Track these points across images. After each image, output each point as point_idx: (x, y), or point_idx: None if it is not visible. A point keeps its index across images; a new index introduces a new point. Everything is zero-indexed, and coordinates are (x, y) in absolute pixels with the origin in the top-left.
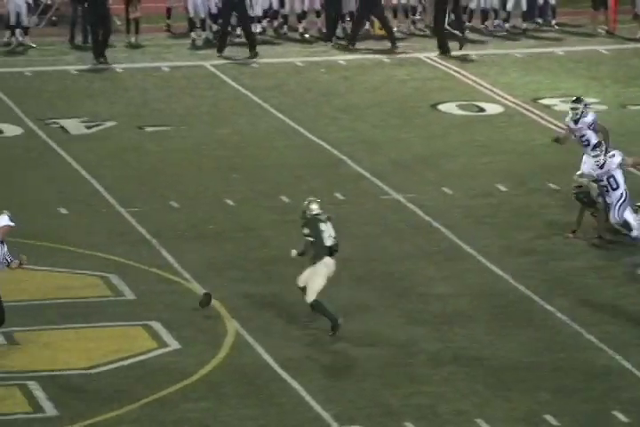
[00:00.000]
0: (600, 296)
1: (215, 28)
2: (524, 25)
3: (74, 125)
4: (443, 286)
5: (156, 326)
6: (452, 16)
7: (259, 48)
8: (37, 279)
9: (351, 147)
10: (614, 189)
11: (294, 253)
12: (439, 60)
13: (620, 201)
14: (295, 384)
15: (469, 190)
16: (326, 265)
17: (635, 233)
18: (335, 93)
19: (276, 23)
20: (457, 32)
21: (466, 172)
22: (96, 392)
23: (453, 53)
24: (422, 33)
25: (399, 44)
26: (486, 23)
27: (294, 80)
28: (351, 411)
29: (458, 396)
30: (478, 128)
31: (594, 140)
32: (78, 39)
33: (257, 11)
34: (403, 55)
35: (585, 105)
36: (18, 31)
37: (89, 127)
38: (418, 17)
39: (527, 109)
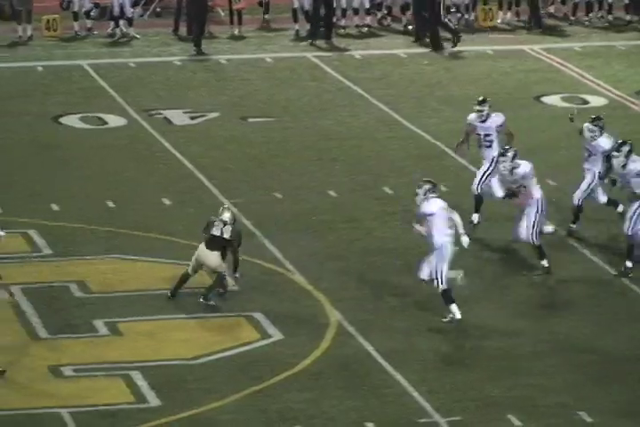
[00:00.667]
0: None
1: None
2: (628, 17)
3: (177, 116)
4: (547, 278)
5: (259, 317)
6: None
7: (363, 40)
8: (142, 270)
9: (454, 138)
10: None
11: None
12: (543, 53)
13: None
14: (397, 376)
15: (573, 182)
16: None
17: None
18: (438, 85)
19: (379, 15)
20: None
21: (569, 164)
22: (199, 382)
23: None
24: (527, 26)
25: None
26: (590, 15)
27: (397, 72)
28: (453, 403)
29: (559, 388)
30: (582, 120)
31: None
32: (182, 30)
33: (365, 3)
34: (507, 47)
35: (490, 106)
36: (122, 22)
37: (193, 118)
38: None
39: (631, 102)
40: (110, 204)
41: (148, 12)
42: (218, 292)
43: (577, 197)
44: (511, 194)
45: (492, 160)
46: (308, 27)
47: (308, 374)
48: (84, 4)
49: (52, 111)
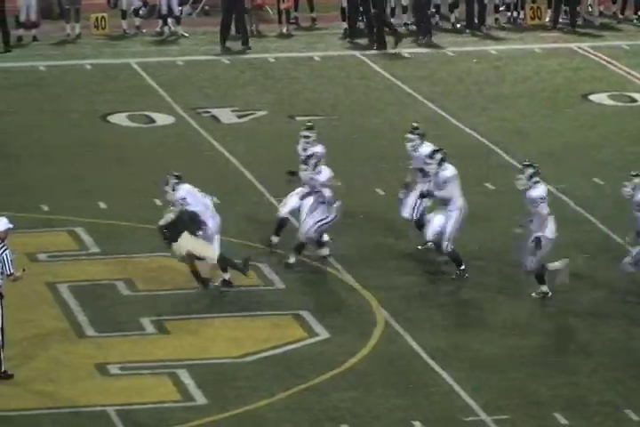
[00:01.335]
0: None
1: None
2: None
3: (225, 114)
4: (593, 277)
5: (306, 315)
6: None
7: (411, 38)
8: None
9: (501, 137)
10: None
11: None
12: (591, 51)
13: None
14: (444, 374)
15: (620, 181)
16: None
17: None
18: (486, 83)
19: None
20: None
21: (616, 162)
22: (246, 381)
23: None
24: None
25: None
26: (639, 13)
27: (445, 70)
28: (499, 401)
29: (605, 386)
30: (629, 119)
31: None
32: (231, 29)
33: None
34: (555, 45)
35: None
36: (170, 21)
37: (240, 116)
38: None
39: None
40: (158, 202)
41: (197, 11)
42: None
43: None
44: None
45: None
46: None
47: (355, 373)
48: (132, 3)
49: (100, 109)
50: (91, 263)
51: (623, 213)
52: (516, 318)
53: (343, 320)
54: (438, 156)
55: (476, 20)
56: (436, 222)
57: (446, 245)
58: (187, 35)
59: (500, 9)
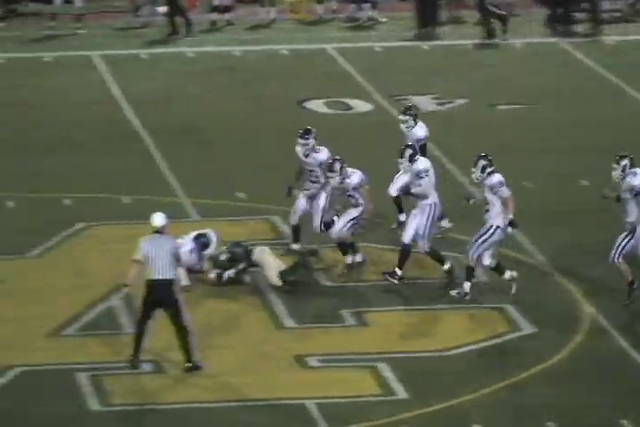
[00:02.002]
0: None
1: None
2: None
3: (425, 102)
4: None
5: (510, 309)
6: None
7: (617, 25)
8: (390, 259)
9: None
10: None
11: None
12: None
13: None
14: None
15: None
16: None
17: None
18: None
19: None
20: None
21: None
22: (448, 375)
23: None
24: None
25: None
26: None
27: None
28: None
29: None
30: None
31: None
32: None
33: None
34: None
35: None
36: (366, 5)
37: (440, 104)
38: None
39: None
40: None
41: None
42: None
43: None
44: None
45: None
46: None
47: (560, 369)
48: None
49: (296, 95)
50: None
51: None
52: None
53: (548, 315)
54: (408, 152)
55: None
56: (410, 224)
57: (423, 245)
58: (384, 20)
59: None
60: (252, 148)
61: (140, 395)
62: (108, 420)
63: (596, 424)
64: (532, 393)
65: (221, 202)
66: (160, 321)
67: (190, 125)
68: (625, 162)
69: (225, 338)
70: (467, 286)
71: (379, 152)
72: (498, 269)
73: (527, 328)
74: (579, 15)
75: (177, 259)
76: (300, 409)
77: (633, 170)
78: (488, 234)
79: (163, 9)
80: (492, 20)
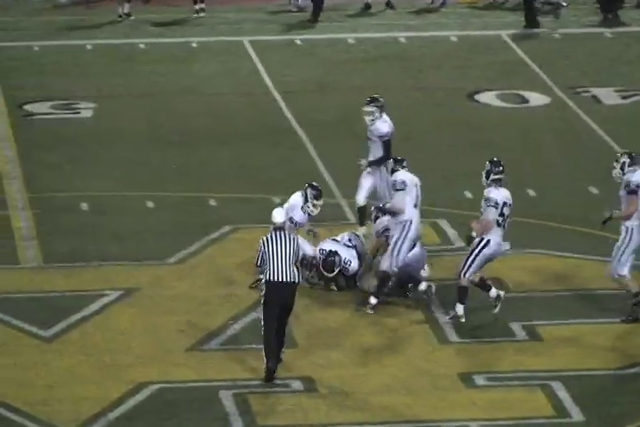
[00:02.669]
0: None
1: None
2: None
3: (607, 95)
4: None
5: None
6: None
7: None
8: (563, 267)
9: None
10: None
11: None
12: None
13: None
14: None
15: None
16: None
17: None
18: None
19: None
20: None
21: None
22: (627, 396)
23: None
24: None
25: None
26: None
27: None
28: None
29: None
30: None
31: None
32: None
33: None
34: None
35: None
36: None
37: (624, 97)
38: None
39: None
40: (531, 192)
41: None
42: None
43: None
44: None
45: None
46: None
47: None
48: None
49: (466, 87)
50: (452, 260)
51: None
52: None
53: None
54: (390, 164)
55: None
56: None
57: (388, 266)
58: (564, 4)
59: None
60: (414, 145)
61: (288, 416)
62: None
63: None
64: None
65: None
66: (314, 336)
67: (348, 118)
68: (624, 159)
69: (384, 354)
70: (459, 308)
71: (555, 150)
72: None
73: None
74: None
75: (298, 259)
76: None
77: (633, 168)
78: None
79: None
80: None
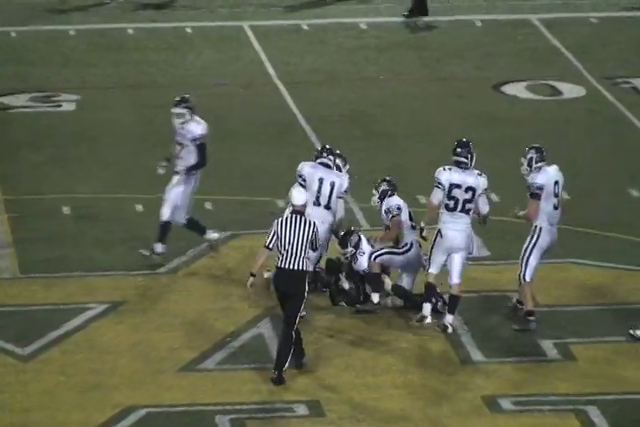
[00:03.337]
0: None
1: None
2: None
3: None
4: None
5: None
6: None
7: None
8: (602, 278)
9: None
10: None
11: None
12: None
13: None
14: None
15: None
16: None
17: None
18: None
19: None
20: None
21: None
22: None
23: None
24: None
25: None
26: None
27: None
28: None
29: None
30: None
31: None
32: None
33: None
34: None
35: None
36: None
37: None
38: None
39: None
40: (564, 195)
41: None
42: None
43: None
44: None
45: None
46: None
47: None
48: None
49: (492, 77)
50: (474, 270)
51: None
52: None
53: None
54: (378, 193)
55: None
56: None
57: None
58: None
59: None
60: (433, 142)
61: None
62: None
63: None
64: None
65: None
66: (322, 354)
67: (360, 113)
68: (531, 155)
69: (398, 375)
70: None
71: (591, 148)
72: None
73: None
74: None
75: (315, 247)
76: None
77: (539, 165)
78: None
79: None
80: None
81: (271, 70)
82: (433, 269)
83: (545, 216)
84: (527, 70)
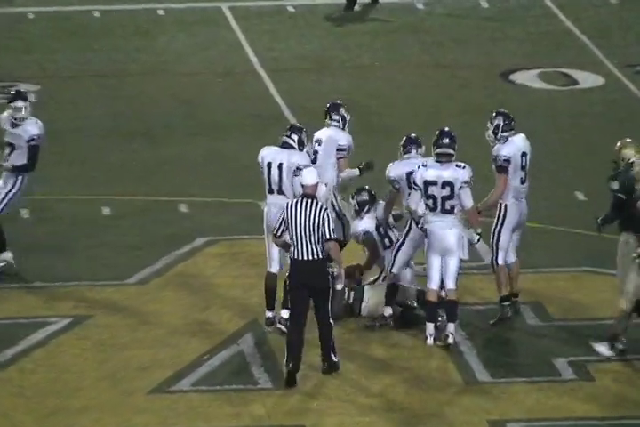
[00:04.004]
0: None
1: None
2: None
3: None
4: None
5: None
6: None
7: None
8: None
9: None
10: None
11: None
12: None
13: None
14: None
15: None
16: None
17: None
18: None
19: None
20: None
21: None
22: None
23: None
24: None
25: None
26: None
27: None
28: None
29: None
30: None
31: None
32: None
33: None
34: None
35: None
36: None
37: None
38: None
39: None
40: (580, 195)
41: None
42: None
43: None
44: None
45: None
46: None
47: None
48: None
49: (500, 64)
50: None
51: None
52: None
53: None
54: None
55: None
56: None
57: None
58: None
59: None
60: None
61: None
62: None
63: None
64: None
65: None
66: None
67: (355, 104)
68: (498, 121)
69: (395, 396)
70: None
71: (609, 142)
72: None
73: None
74: None
75: (329, 237)
76: None
77: (507, 134)
78: None
79: None
80: None
81: (253, 57)
82: (433, 285)
83: (511, 192)
84: (539, 57)
